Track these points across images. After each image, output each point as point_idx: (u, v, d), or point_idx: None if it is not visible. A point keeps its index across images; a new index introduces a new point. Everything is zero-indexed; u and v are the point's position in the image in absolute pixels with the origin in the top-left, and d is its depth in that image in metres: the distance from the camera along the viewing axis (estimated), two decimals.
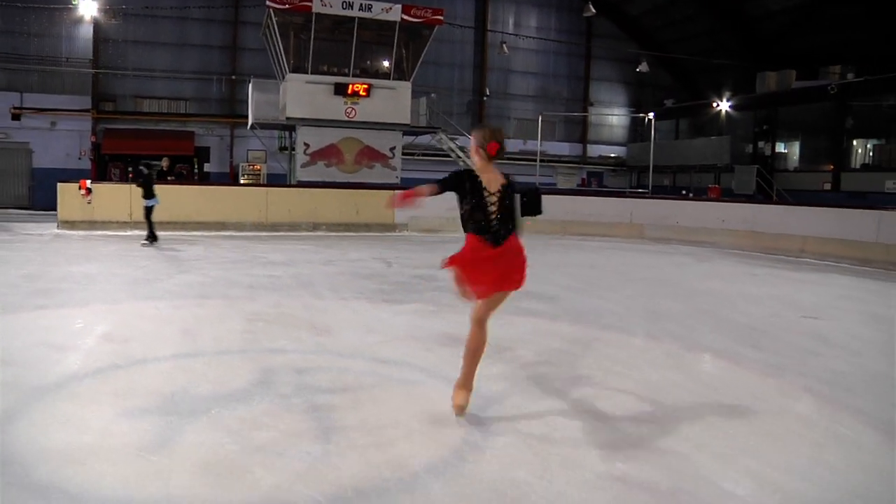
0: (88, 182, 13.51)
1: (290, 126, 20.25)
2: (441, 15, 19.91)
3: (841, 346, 5.86)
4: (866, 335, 6.38)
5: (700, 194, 23.54)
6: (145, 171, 12.08)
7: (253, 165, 25.72)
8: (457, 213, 3.70)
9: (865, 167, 23.62)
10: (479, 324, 3.69)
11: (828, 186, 22.69)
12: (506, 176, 3.69)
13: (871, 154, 24.06)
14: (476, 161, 3.68)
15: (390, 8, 19.01)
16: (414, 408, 3.83)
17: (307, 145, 19.44)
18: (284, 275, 8.93)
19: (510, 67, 29.33)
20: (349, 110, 19.33)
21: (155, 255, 10.58)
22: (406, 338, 5.43)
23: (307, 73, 19.17)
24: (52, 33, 23.74)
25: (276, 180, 23.28)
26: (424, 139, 22.07)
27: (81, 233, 13.74)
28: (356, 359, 4.87)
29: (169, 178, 16.44)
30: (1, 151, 23.51)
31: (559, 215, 15.38)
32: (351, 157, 19.73)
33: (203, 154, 25.75)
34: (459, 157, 21.18)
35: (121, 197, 14.16)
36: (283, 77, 19.81)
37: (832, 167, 23.22)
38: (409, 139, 21.64)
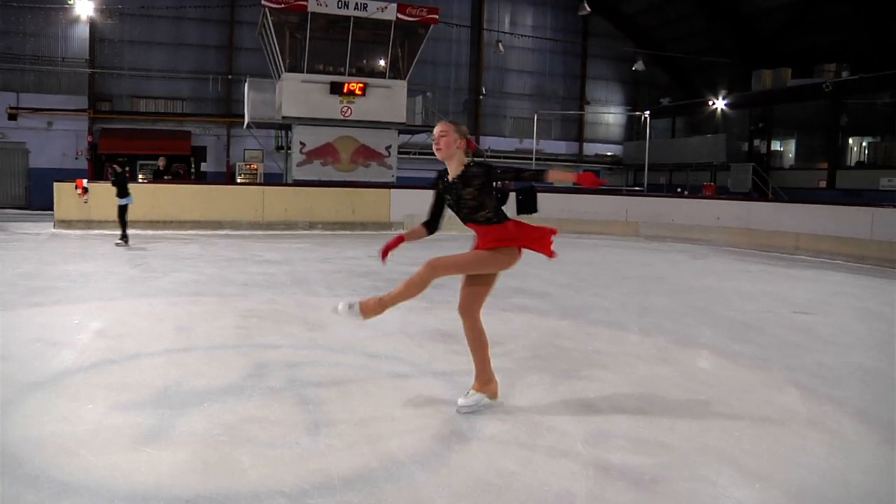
0: (85, 182, 13.52)
1: (286, 125, 20.31)
2: (436, 14, 19.95)
3: (833, 341, 5.91)
4: (860, 330, 6.43)
5: (696, 192, 23.60)
6: (118, 169, 11.98)
7: (249, 165, 25.78)
8: (451, 212, 3.79)
9: (860, 165, 23.73)
10: (466, 316, 3.74)
11: (823, 184, 22.76)
12: (466, 164, 3.66)
13: (866, 152, 24.18)
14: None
15: (386, 7, 19.06)
16: (403, 401, 3.89)
17: (303, 144, 19.49)
18: (279, 272, 8.98)
19: (506, 66, 29.38)
20: (345, 109, 19.38)
21: (151, 254, 10.62)
22: (397, 333, 5.47)
23: (303, 72, 19.23)
24: (49, 33, 23.77)
25: (272, 179, 23.32)
26: (420, 138, 22.11)
27: (78, 232, 13.79)
28: (348, 353, 4.92)
29: (166, 177, 16.47)
30: None
31: (554, 213, 15.42)
32: (347, 155, 19.78)
33: (200, 153, 25.80)
34: None
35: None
36: (279, 76, 19.85)
37: (827, 165, 23.30)
38: (405, 138, 21.70)
